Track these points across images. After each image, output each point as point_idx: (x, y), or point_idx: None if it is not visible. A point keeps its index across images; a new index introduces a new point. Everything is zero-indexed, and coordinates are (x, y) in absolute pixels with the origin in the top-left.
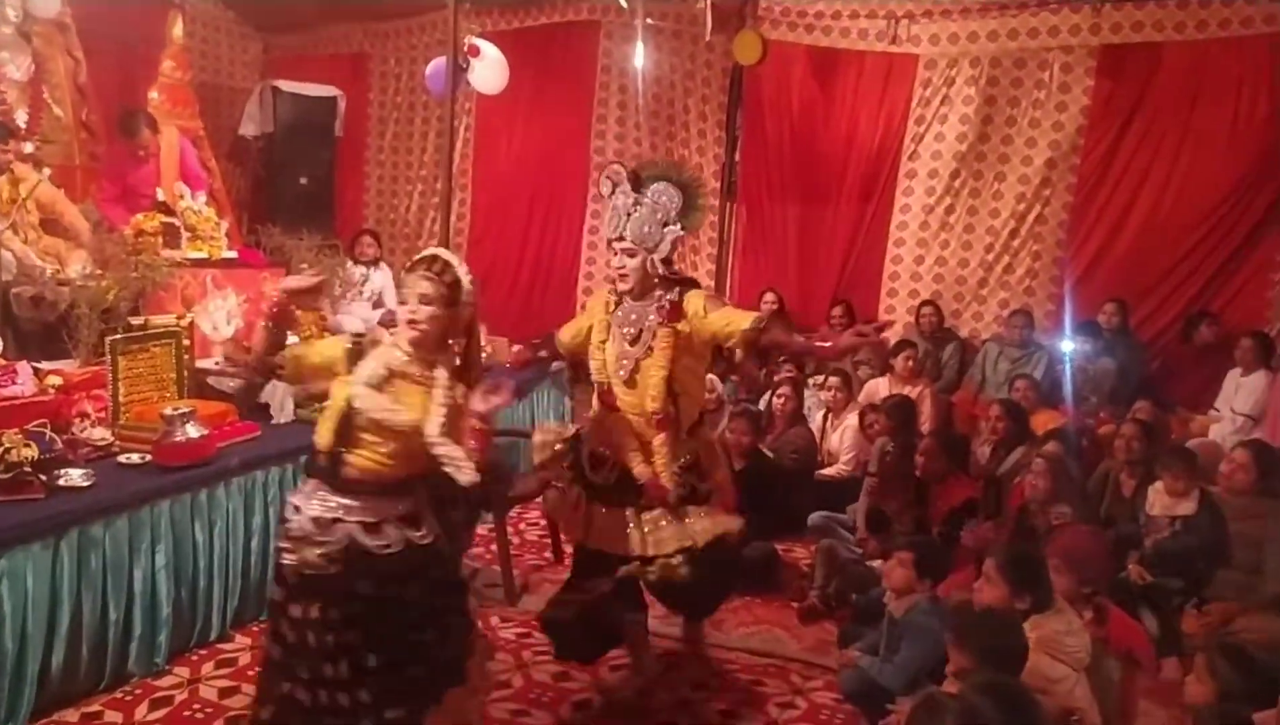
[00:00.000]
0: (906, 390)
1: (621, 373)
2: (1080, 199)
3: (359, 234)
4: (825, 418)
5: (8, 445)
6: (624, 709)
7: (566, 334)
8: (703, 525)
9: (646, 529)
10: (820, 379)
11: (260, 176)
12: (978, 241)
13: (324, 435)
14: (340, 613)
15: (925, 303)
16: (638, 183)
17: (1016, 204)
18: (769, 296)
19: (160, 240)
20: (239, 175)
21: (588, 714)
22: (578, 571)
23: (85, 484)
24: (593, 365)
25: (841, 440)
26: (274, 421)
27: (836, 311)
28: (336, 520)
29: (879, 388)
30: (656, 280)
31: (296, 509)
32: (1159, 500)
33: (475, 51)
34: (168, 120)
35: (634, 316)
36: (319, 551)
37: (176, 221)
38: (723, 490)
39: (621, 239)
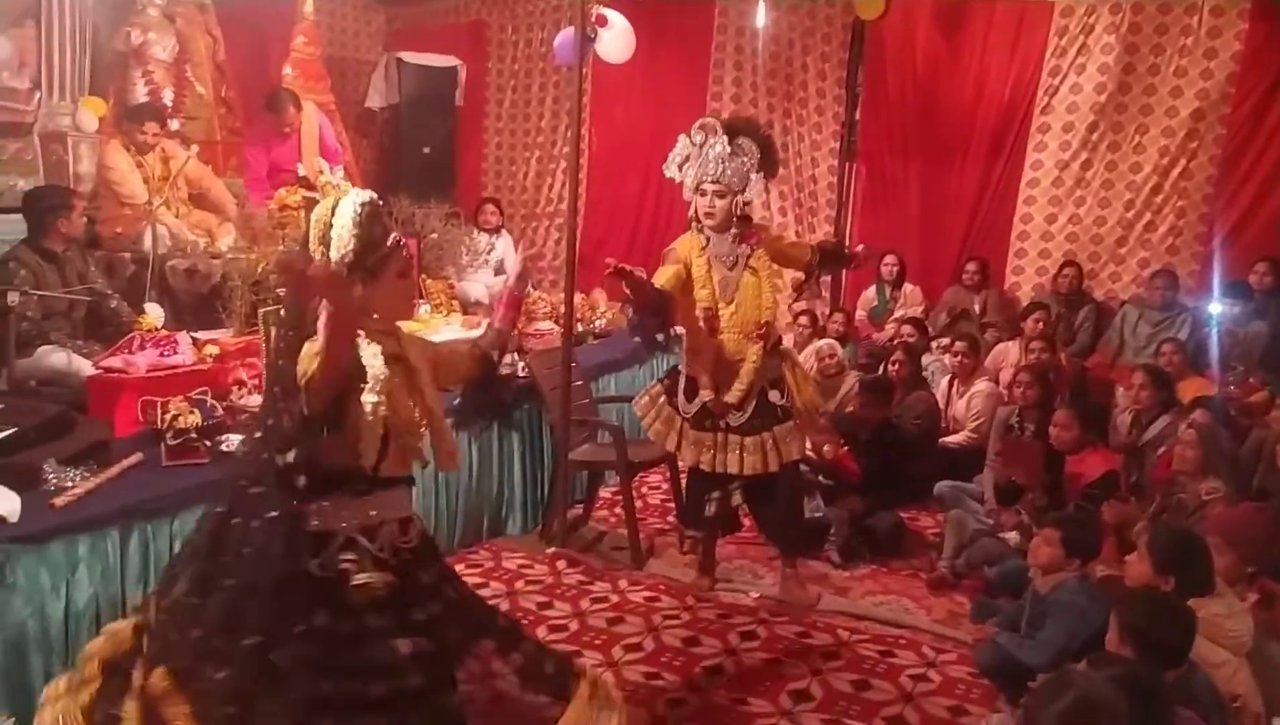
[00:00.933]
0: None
1: (727, 295)
2: (1229, 153)
3: (482, 202)
4: (950, 383)
5: (175, 412)
6: (755, 675)
7: (661, 279)
8: (779, 450)
9: (732, 449)
10: (945, 341)
11: (386, 147)
12: (1116, 198)
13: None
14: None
15: (1068, 263)
16: (731, 133)
17: (1160, 158)
18: (889, 258)
19: (302, 214)
20: (365, 147)
21: (719, 679)
22: (688, 484)
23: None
24: (700, 296)
25: (968, 407)
26: None
27: (971, 267)
28: (382, 524)
29: (1008, 352)
30: (735, 220)
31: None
32: None
33: (604, 21)
34: (303, 95)
35: (726, 248)
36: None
37: (317, 195)
38: (808, 411)
39: (717, 182)
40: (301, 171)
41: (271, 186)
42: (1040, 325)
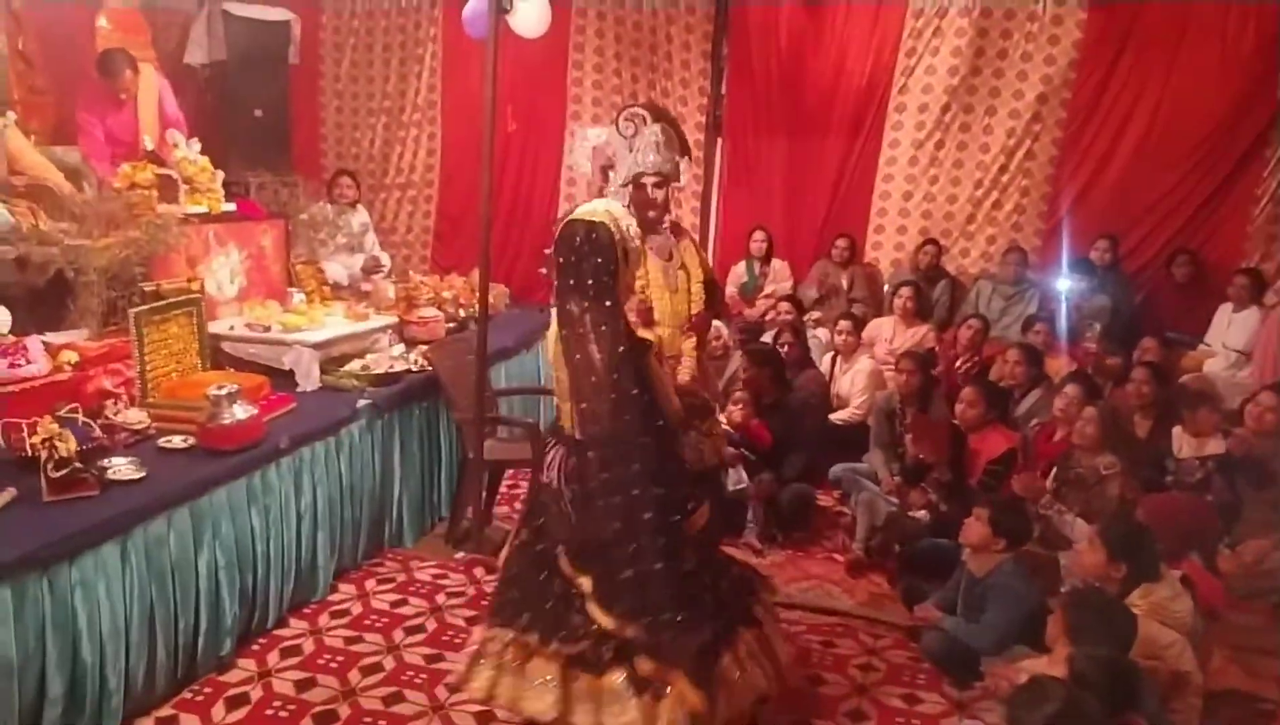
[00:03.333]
0: (909, 332)
1: (671, 284)
2: (1070, 134)
3: (336, 175)
4: (834, 361)
5: (45, 435)
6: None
7: None
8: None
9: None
10: (816, 316)
11: (210, 109)
12: (967, 177)
13: None
14: None
15: (928, 241)
16: (656, 120)
17: (1007, 139)
18: (758, 234)
19: (155, 194)
20: (184, 108)
21: None
22: None
23: (138, 475)
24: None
25: (853, 384)
26: (300, 390)
27: (841, 243)
28: None
29: (882, 327)
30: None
31: None
32: (1185, 443)
33: None
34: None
35: (660, 240)
36: None
37: (171, 172)
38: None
39: (658, 173)
40: (149, 145)
41: (112, 162)
42: (910, 302)
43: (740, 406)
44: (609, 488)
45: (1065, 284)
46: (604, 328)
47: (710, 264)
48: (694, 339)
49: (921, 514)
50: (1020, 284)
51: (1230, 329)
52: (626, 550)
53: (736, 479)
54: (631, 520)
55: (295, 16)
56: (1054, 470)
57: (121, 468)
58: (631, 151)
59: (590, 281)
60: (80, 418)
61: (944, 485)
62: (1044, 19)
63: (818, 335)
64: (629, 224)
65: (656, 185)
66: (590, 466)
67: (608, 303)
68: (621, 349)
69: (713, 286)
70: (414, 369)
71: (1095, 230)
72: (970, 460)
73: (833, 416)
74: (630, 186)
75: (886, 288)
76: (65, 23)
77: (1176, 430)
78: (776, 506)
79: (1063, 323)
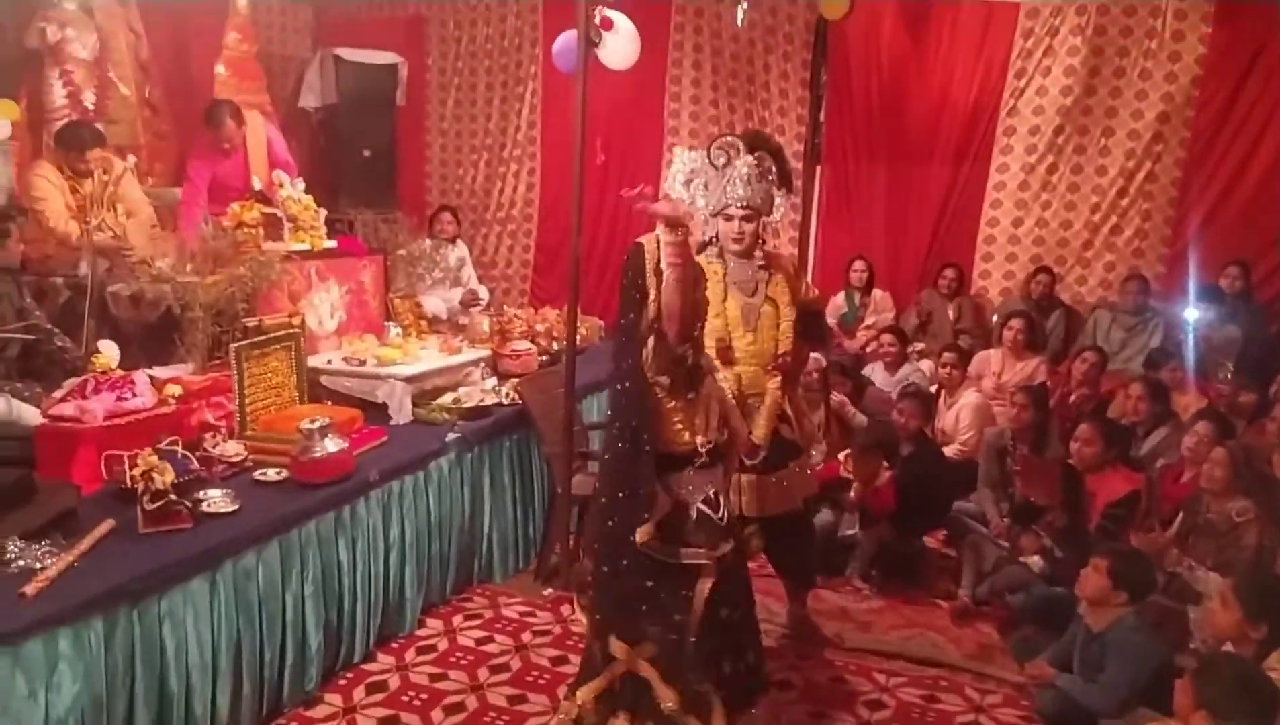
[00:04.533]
0: (1019, 365)
1: (749, 322)
2: (1193, 156)
3: (438, 210)
4: (938, 395)
5: (145, 467)
6: None
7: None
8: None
9: (749, 490)
10: (918, 347)
11: (322, 150)
12: (1082, 202)
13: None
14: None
15: (1041, 269)
16: (751, 150)
17: (1125, 161)
18: (858, 264)
19: (261, 232)
20: (296, 149)
21: None
22: None
23: (232, 509)
24: (712, 325)
25: (959, 420)
26: (393, 423)
27: (949, 272)
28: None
29: (990, 360)
30: (761, 241)
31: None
32: None
33: (609, 24)
34: (237, 95)
35: (748, 272)
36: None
37: (277, 211)
38: (809, 439)
39: (746, 206)
40: (257, 185)
41: (214, 203)
42: (1020, 334)
43: (856, 485)
44: (603, 534)
45: (1192, 314)
46: (624, 346)
47: (815, 294)
48: (779, 378)
49: (1034, 560)
50: (1142, 313)
51: None
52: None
53: (850, 524)
54: (616, 567)
55: (402, 60)
56: (1180, 516)
57: (216, 500)
58: (722, 181)
59: (622, 302)
60: (179, 450)
61: (1059, 529)
62: (1164, 35)
63: (920, 367)
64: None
65: (745, 218)
66: (597, 503)
67: (628, 323)
68: (628, 374)
69: (814, 318)
70: (505, 402)
71: (1224, 256)
72: (1088, 502)
73: (944, 450)
74: (719, 217)
75: (995, 318)
76: (187, 71)
77: None
78: (889, 555)
79: (1190, 355)
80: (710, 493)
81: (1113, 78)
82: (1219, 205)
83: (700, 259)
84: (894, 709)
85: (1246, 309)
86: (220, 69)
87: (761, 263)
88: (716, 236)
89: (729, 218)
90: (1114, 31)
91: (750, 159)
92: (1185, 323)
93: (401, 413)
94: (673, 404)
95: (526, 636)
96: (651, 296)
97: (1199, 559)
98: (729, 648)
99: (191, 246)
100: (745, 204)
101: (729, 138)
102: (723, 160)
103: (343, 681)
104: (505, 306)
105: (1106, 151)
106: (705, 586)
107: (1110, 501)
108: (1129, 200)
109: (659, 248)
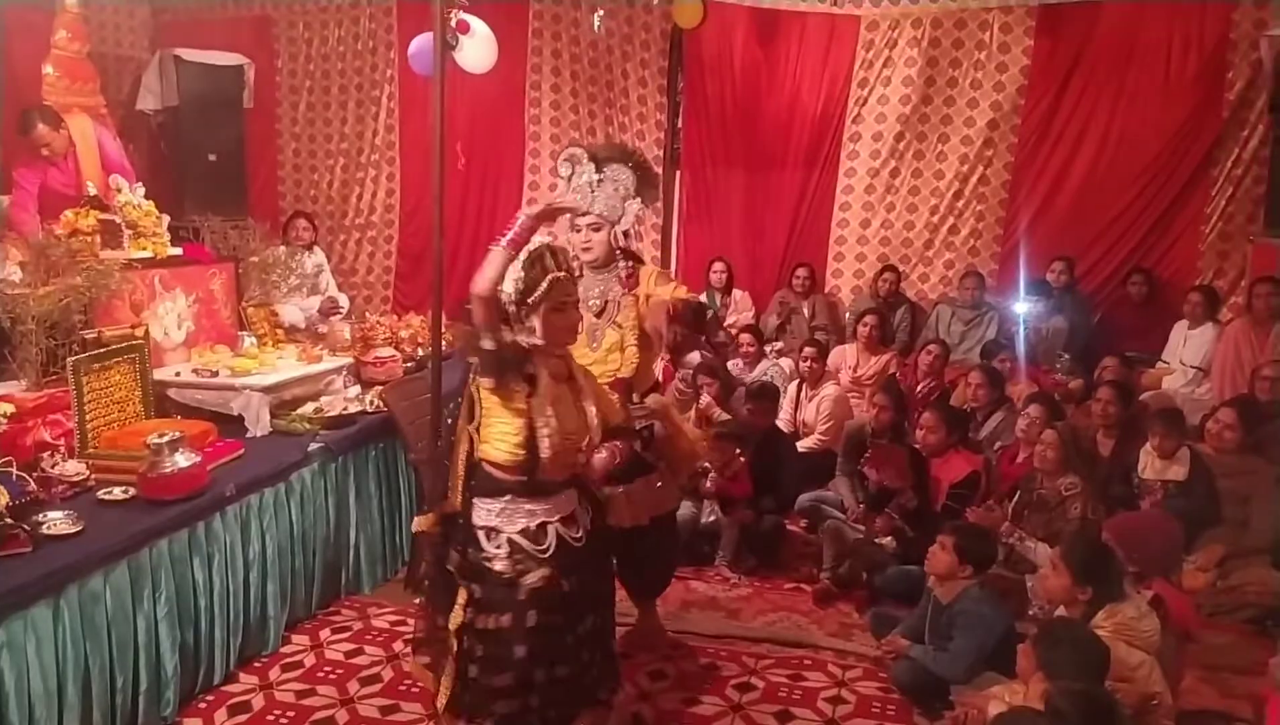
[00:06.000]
0: (873, 359)
1: (594, 342)
2: (1021, 158)
3: (292, 216)
4: (799, 388)
5: None
6: (676, 718)
7: None
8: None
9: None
10: (779, 346)
11: (163, 154)
12: (923, 204)
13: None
14: (556, 612)
15: (887, 268)
16: (597, 162)
17: (960, 165)
18: (718, 266)
19: (98, 240)
20: (135, 154)
21: None
22: None
23: (74, 530)
24: None
25: (818, 410)
26: (250, 435)
27: (801, 272)
28: (544, 524)
29: (846, 355)
30: (617, 253)
31: (497, 532)
32: (1150, 463)
33: (465, 28)
34: (66, 97)
35: (597, 289)
36: (543, 567)
37: (115, 218)
38: (680, 461)
39: (588, 215)
40: (91, 190)
41: (45, 212)
42: (872, 330)
43: (713, 474)
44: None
45: (1023, 306)
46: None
47: (684, 292)
48: (619, 397)
49: (888, 541)
50: (979, 307)
51: (1187, 346)
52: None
53: (709, 512)
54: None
55: (249, 61)
56: (1016, 493)
57: (57, 522)
58: (569, 192)
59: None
60: (14, 472)
61: (909, 511)
62: (991, 47)
63: (780, 364)
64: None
65: (592, 227)
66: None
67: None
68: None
69: (695, 313)
70: (369, 410)
71: (1051, 252)
72: (934, 484)
73: (800, 444)
74: (570, 229)
75: (848, 316)
76: (12, 71)
77: (1146, 448)
78: (751, 536)
79: (1022, 345)
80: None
81: (946, 87)
82: (1046, 204)
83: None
84: (763, 690)
85: (1072, 301)
86: (49, 69)
87: (621, 273)
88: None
89: (576, 229)
90: (947, 43)
91: (592, 168)
92: (1017, 315)
93: (259, 424)
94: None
95: (398, 645)
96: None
97: (1031, 531)
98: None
99: (21, 256)
100: (587, 211)
101: (574, 149)
102: (567, 171)
103: (203, 705)
104: (367, 313)
105: (943, 156)
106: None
107: (953, 482)
108: (964, 201)
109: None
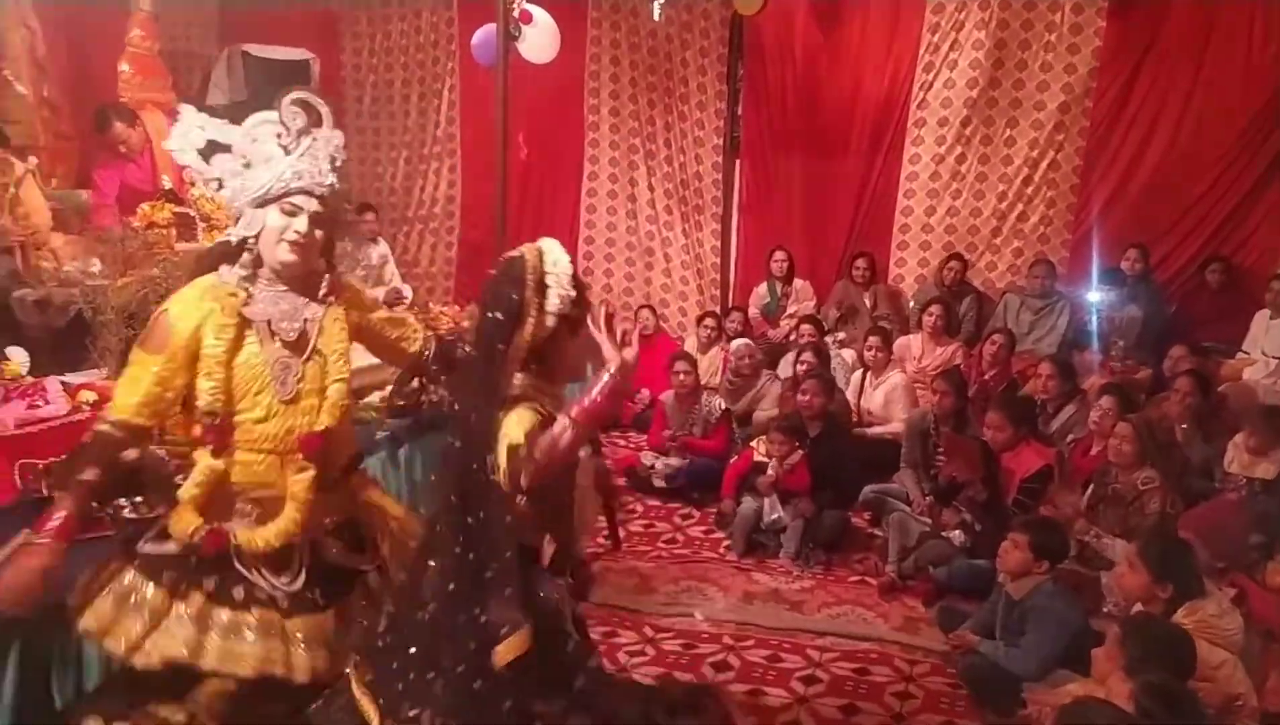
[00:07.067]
0: (938, 349)
1: (286, 388)
2: (1094, 143)
3: (358, 209)
4: (863, 377)
5: None
6: (740, 709)
7: (137, 394)
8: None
9: (260, 639)
10: (839, 337)
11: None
12: (990, 190)
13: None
14: None
15: (952, 256)
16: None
17: (1030, 150)
18: (779, 255)
19: (174, 232)
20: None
21: None
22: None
23: (152, 514)
24: (206, 390)
25: (888, 399)
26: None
27: (860, 263)
28: None
29: (910, 345)
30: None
31: None
32: (1238, 457)
33: (528, 18)
34: (141, 94)
35: (287, 307)
36: None
37: (190, 211)
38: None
39: (321, 197)
40: (166, 185)
41: (122, 207)
42: (938, 319)
43: (773, 463)
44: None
45: (1096, 295)
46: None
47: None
48: (310, 472)
49: (955, 534)
50: (1049, 296)
51: (1269, 336)
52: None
53: (770, 510)
54: None
55: (314, 56)
56: (1090, 487)
57: (136, 505)
58: (298, 152)
59: (482, 328)
60: None
61: (978, 504)
62: (1062, 28)
63: (842, 356)
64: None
65: (315, 219)
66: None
67: (487, 353)
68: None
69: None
70: (433, 399)
71: (1125, 239)
72: (1005, 478)
73: (872, 431)
74: (273, 207)
75: (912, 305)
76: (89, 69)
77: (1235, 441)
78: (813, 529)
79: (1094, 334)
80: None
81: (1015, 70)
82: (1119, 191)
83: (195, 289)
84: (828, 683)
85: (1146, 290)
86: (124, 66)
87: (323, 291)
88: (254, 241)
89: (291, 211)
90: (1016, 25)
91: (338, 132)
92: (1089, 304)
93: None
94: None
95: None
96: (530, 323)
97: (1106, 527)
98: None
99: (100, 249)
100: (321, 192)
101: (307, 96)
102: (300, 123)
103: None
104: (430, 304)
105: (1012, 141)
106: None
107: (1025, 476)
108: (1034, 188)
109: (541, 262)
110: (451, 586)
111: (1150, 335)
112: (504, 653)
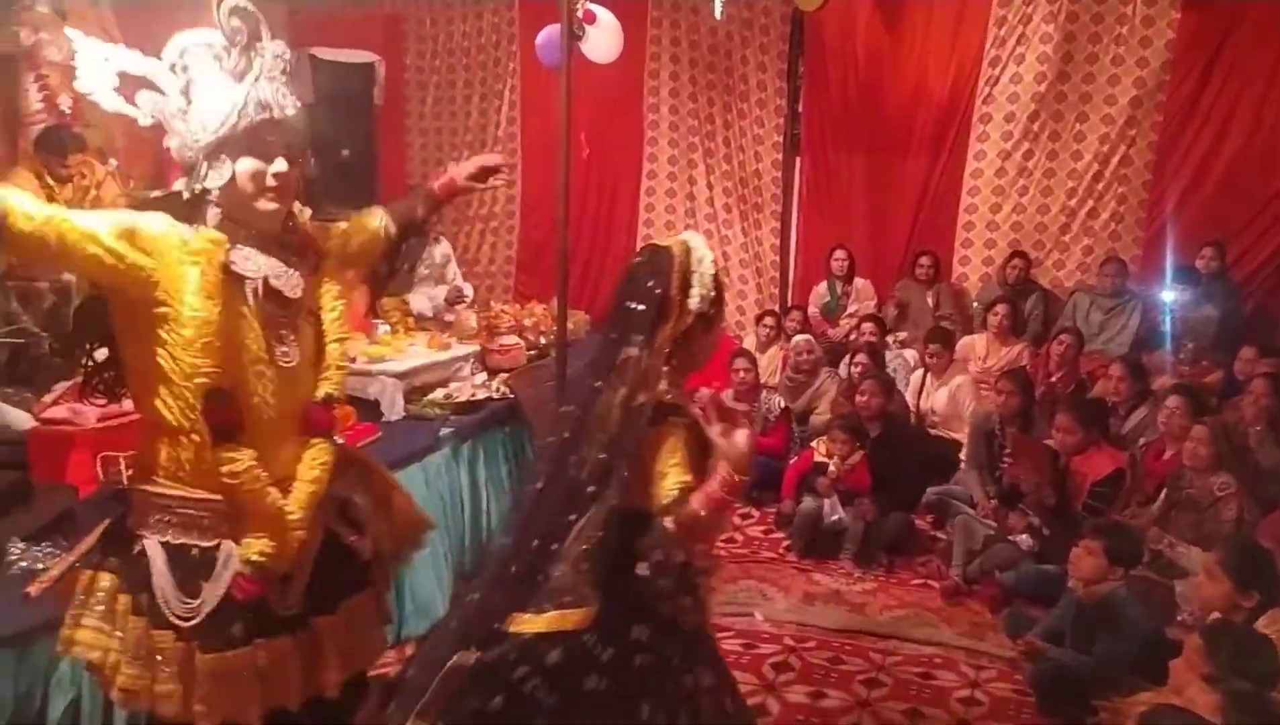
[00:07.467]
0: (1004, 350)
1: (284, 354)
2: (1166, 138)
3: None
4: (924, 378)
5: None
6: (802, 711)
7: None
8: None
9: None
10: (900, 337)
11: None
12: (1059, 187)
13: None
14: None
15: (1016, 253)
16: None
17: (1100, 146)
18: (839, 253)
19: None
20: None
21: (765, 720)
22: None
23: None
24: (187, 357)
25: (953, 400)
26: (385, 419)
27: (924, 261)
28: None
29: (975, 345)
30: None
31: None
32: None
33: (591, 18)
34: None
35: (279, 262)
36: None
37: None
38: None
39: (286, 131)
40: None
41: None
42: (1003, 319)
43: (834, 463)
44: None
45: (1169, 295)
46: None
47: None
48: (323, 445)
49: (1022, 538)
50: (1121, 296)
51: None
52: None
53: (831, 510)
54: None
55: (379, 58)
56: (1163, 493)
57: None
58: (251, 77)
59: (616, 318)
60: None
61: (1046, 508)
62: (1134, 21)
63: (904, 355)
64: None
65: (288, 152)
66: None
67: (618, 340)
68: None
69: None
70: (495, 397)
71: (1198, 237)
72: (1074, 482)
73: (944, 433)
74: (229, 150)
75: (975, 305)
76: None
77: None
78: (876, 530)
79: (1166, 335)
80: None
81: (1085, 64)
82: (1192, 187)
83: (175, 235)
84: (891, 686)
85: (1222, 289)
86: None
87: (302, 238)
88: (213, 193)
89: (264, 151)
90: (1086, 18)
91: (285, 49)
92: (1163, 304)
93: (394, 409)
94: None
95: None
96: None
97: (1179, 534)
98: None
99: None
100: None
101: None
102: (241, 37)
103: None
104: (491, 302)
105: (1081, 136)
106: None
107: (1096, 480)
108: (1104, 184)
109: (688, 257)
110: (536, 543)
111: (1226, 336)
112: (554, 619)
